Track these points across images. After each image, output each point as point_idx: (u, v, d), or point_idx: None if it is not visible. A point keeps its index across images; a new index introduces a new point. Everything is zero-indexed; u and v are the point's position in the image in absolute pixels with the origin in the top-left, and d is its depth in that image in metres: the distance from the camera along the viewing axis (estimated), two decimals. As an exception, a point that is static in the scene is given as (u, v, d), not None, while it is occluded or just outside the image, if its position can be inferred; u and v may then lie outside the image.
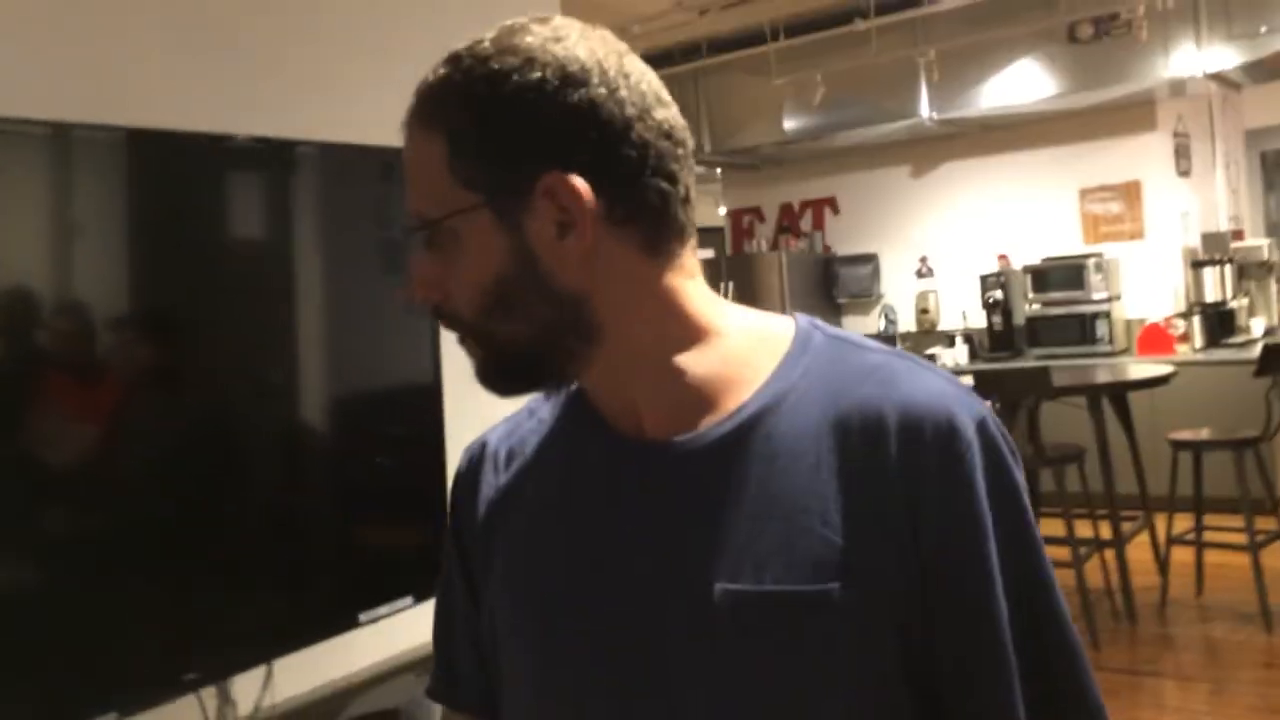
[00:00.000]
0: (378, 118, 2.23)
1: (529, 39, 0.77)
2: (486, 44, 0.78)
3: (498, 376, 0.83)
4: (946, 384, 0.79)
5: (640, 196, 0.78)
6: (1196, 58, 5.73)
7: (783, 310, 0.86)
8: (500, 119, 0.77)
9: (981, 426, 0.76)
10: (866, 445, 0.76)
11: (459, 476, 0.94)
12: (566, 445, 0.88)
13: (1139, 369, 5.32)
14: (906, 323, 7.40)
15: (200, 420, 1.75)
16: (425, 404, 1.99)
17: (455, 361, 2.16)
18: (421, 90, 0.80)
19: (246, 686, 1.80)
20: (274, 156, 1.84)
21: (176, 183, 1.70)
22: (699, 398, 0.81)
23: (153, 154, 1.66)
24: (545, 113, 0.76)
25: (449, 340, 2.36)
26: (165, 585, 1.65)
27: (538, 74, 0.76)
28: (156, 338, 1.68)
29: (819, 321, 0.86)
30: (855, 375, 0.80)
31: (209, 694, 1.74)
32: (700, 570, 0.77)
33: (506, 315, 0.80)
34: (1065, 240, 6.77)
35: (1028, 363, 6.28)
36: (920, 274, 7.38)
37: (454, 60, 0.79)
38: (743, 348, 0.82)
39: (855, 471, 0.76)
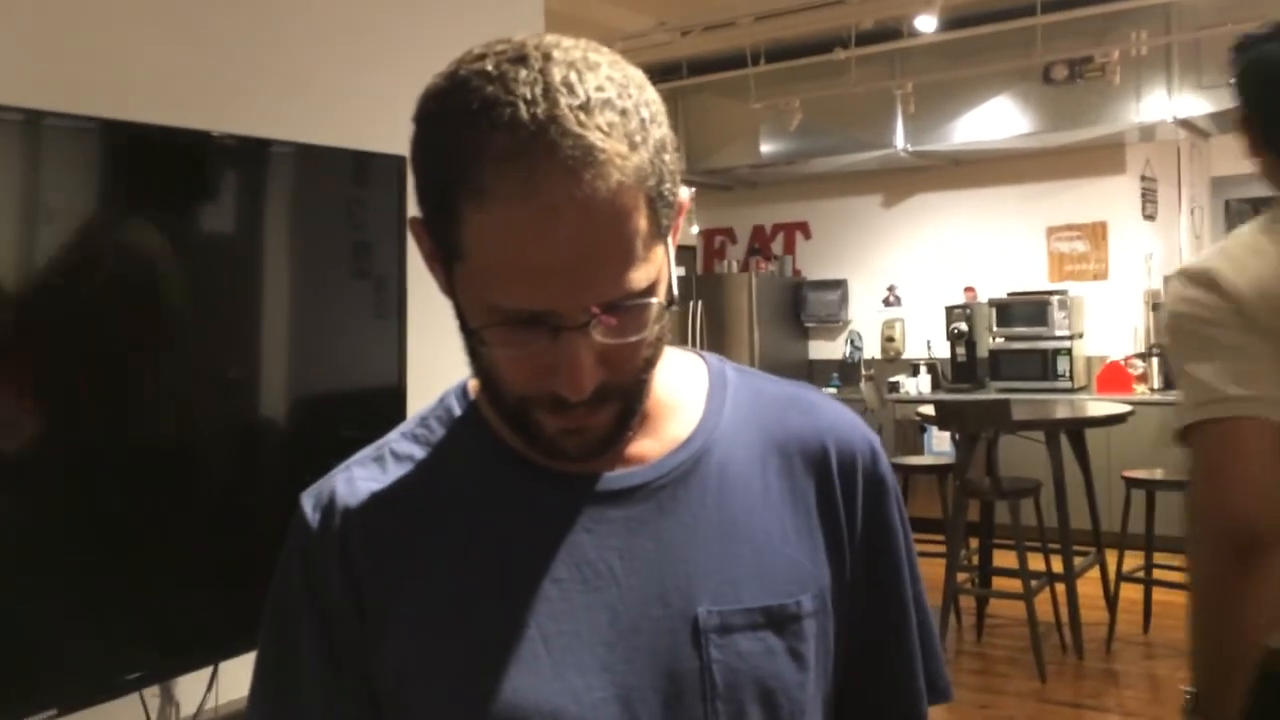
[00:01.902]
0: (353, 121, 2.23)
1: (610, 55, 0.71)
2: (606, 69, 0.69)
3: (622, 434, 0.77)
4: (851, 413, 0.90)
5: None
6: (1167, 104, 5.84)
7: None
8: (664, 145, 0.70)
9: (882, 451, 0.89)
10: (811, 470, 0.85)
11: (310, 532, 0.81)
12: (488, 485, 0.81)
13: (1097, 406, 5.39)
14: (872, 349, 7.46)
15: (157, 414, 1.73)
16: (388, 407, 1.98)
17: (420, 366, 2.14)
18: (593, 147, 0.65)
19: (190, 687, 1.77)
20: (248, 154, 1.83)
21: (148, 176, 1.69)
22: (641, 427, 0.80)
23: (125, 146, 1.65)
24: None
25: (415, 345, 2.33)
26: (113, 582, 1.63)
27: (651, 89, 0.72)
28: (117, 331, 1.66)
29: (722, 357, 0.91)
30: (777, 406, 0.87)
31: (151, 694, 1.72)
32: (682, 596, 0.78)
33: (659, 359, 0.77)
34: (1031, 276, 6.85)
35: (989, 395, 6.35)
36: (887, 302, 7.45)
37: (601, 104, 0.66)
38: (670, 381, 0.83)
39: (803, 493, 0.84)
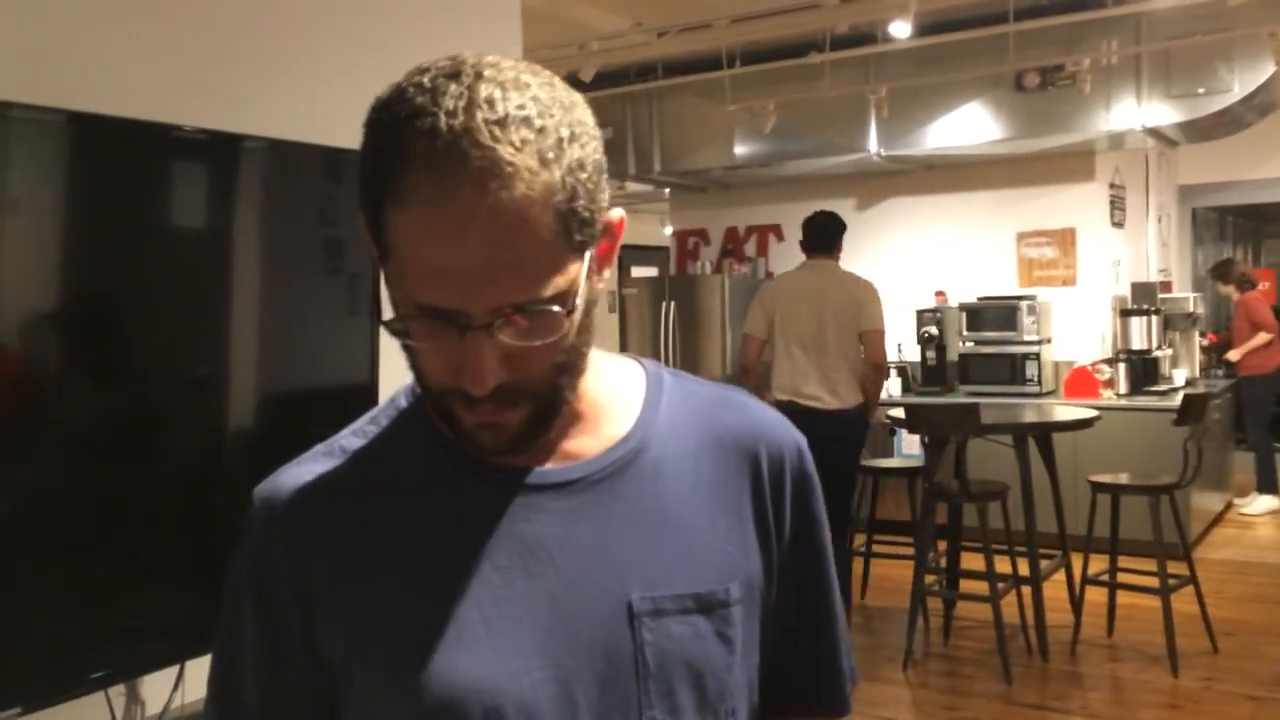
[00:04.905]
0: (327, 116, 2.22)
1: (546, 77, 0.75)
2: (535, 89, 0.72)
3: (538, 433, 0.81)
4: (779, 414, 0.96)
5: None
6: (1136, 113, 5.90)
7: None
8: (583, 165, 0.74)
9: (808, 450, 0.94)
10: (743, 467, 0.90)
11: (259, 528, 0.84)
12: (432, 476, 0.84)
13: (1064, 411, 5.44)
14: (843, 353, 7.47)
15: (124, 409, 1.72)
16: (360, 405, 1.96)
17: (392, 363, 2.14)
18: (500, 159, 0.69)
19: (156, 686, 1.76)
20: (220, 149, 1.81)
21: (116, 170, 1.67)
22: (578, 426, 0.86)
23: (93, 139, 1.63)
24: (600, 150, 0.77)
25: (387, 342, 2.32)
26: (78, 579, 1.61)
27: (590, 114, 0.77)
28: (84, 323, 1.64)
29: (659, 362, 0.96)
30: (710, 406, 0.93)
31: (117, 692, 1.70)
32: (618, 583, 0.83)
33: (577, 365, 0.81)
34: (1001, 281, 6.91)
35: (958, 399, 6.39)
36: (859, 305, 7.47)
37: (518, 121, 0.70)
38: (610, 382, 0.89)
39: (735, 488, 0.89)
